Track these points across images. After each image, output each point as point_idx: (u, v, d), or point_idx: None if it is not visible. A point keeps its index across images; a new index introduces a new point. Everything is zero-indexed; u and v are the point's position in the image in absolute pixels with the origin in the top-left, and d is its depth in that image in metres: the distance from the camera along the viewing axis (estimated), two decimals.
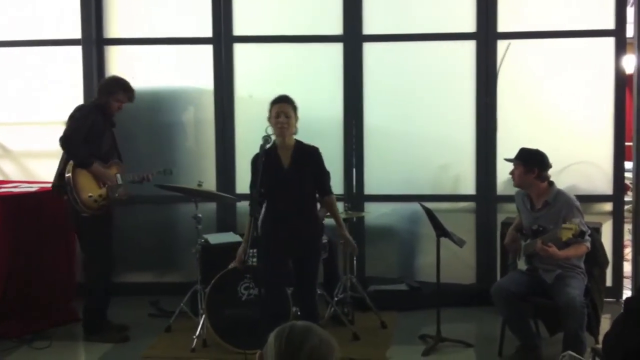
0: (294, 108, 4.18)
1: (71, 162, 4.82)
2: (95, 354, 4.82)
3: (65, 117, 5.70)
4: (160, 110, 6.20)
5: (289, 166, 4.14)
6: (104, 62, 6.13)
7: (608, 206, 5.88)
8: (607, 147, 5.84)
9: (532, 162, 4.52)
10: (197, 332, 4.79)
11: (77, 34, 6.05)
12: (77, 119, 4.89)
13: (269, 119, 4.18)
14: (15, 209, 5.14)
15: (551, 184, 4.56)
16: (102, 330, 5.03)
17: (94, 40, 6.06)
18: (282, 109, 4.10)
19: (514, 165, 4.58)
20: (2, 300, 5.01)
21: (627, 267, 6.09)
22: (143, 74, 6.10)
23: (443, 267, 5.77)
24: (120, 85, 5.02)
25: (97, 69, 6.09)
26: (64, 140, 4.85)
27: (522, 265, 4.58)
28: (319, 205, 4.43)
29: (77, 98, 5.85)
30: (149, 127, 6.18)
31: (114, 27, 6.13)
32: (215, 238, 5.39)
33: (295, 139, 4.22)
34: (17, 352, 4.81)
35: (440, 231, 4.76)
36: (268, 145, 4.05)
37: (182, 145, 6.25)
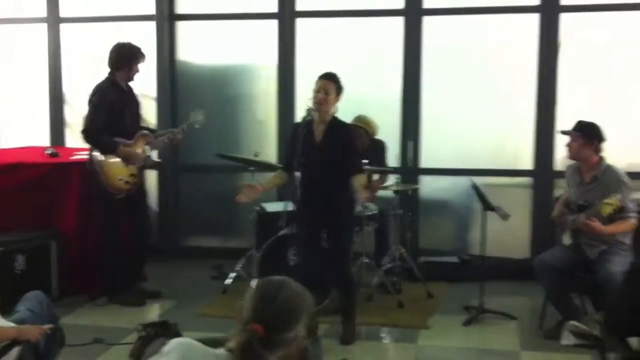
0: (337, 87, 4.26)
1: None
2: (155, 312, 5.18)
3: (141, 92, 6.11)
4: (225, 84, 6.47)
5: (320, 141, 4.28)
6: (175, 37, 6.44)
7: None
8: None
9: (592, 134, 4.49)
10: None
11: (150, 9, 6.37)
12: (93, 104, 4.97)
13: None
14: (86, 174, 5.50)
15: (602, 158, 4.52)
16: (120, 293, 5.22)
17: (167, 15, 6.37)
18: (323, 85, 4.23)
19: (572, 137, 4.54)
20: (79, 253, 5.41)
21: None
22: (210, 49, 6.38)
23: (498, 241, 5.86)
24: (137, 49, 5.08)
25: (169, 44, 6.41)
26: (85, 135, 5.00)
27: (567, 240, 4.57)
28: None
29: (150, 74, 6.20)
30: (215, 101, 6.46)
31: (183, 3, 6.42)
32: (271, 206, 5.62)
33: (334, 116, 4.33)
34: (81, 309, 5.19)
35: (486, 205, 4.81)
36: (309, 118, 4.21)
37: (245, 119, 6.51)
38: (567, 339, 2.83)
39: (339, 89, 4.26)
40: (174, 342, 1.89)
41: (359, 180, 4.30)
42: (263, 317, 1.82)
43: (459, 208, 6.21)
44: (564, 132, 4.64)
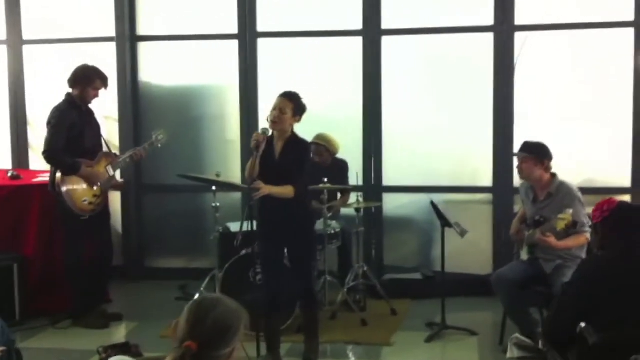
0: (295, 107, 4.26)
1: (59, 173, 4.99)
2: (119, 334, 5.16)
3: (103, 113, 6.12)
4: (188, 104, 6.51)
5: (279, 157, 4.32)
6: (137, 58, 6.46)
7: (627, 198, 5.88)
8: (626, 139, 5.84)
9: (541, 154, 4.60)
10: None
11: (110, 31, 6.39)
12: (53, 126, 5.00)
13: None
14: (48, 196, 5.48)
15: (554, 175, 4.62)
16: (85, 317, 5.20)
17: (128, 36, 6.39)
18: (280, 103, 4.25)
19: (521, 159, 4.64)
20: (41, 276, 5.38)
21: None
22: (172, 69, 6.42)
23: (460, 257, 5.96)
24: (97, 73, 5.11)
25: (131, 65, 6.43)
26: (46, 157, 5.01)
27: (524, 255, 4.67)
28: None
29: (111, 94, 6.21)
30: (178, 121, 6.48)
31: (145, 25, 6.45)
32: (236, 226, 5.63)
33: (292, 133, 4.37)
34: (43, 332, 5.16)
35: (444, 221, 4.89)
36: (267, 133, 4.23)
37: (208, 138, 6.54)
38: (511, 352, 2.90)
39: (297, 109, 4.27)
40: None
41: (285, 190, 4.24)
42: (197, 334, 1.87)
43: (422, 225, 6.29)
44: (515, 154, 4.74)
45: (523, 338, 2.94)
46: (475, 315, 5.41)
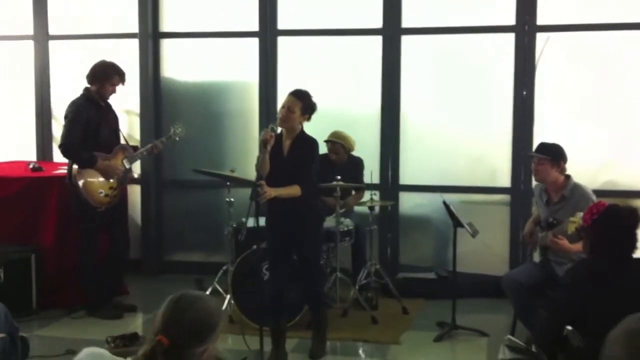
0: (304, 106, 4.28)
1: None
2: (132, 325, 5.22)
3: (125, 108, 6.22)
4: (208, 101, 6.57)
5: (287, 154, 4.34)
6: (159, 54, 6.55)
7: None
8: None
9: (557, 155, 4.54)
10: (223, 309, 5.10)
11: (134, 27, 6.48)
12: (70, 120, 5.09)
13: None
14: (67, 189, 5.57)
15: (568, 177, 4.56)
16: (100, 309, 5.27)
17: (151, 33, 6.47)
18: (288, 102, 4.28)
19: (537, 160, 4.58)
20: (58, 267, 5.48)
21: None
22: (194, 66, 6.50)
23: (476, 258, 5.94)
24: (115, 70, 5.18)
25: (153, 62, 6.51)
26: (63, 150, 5.11)
27: (537, 257, 4.61)
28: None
29: (133, 89, 6.32)
30: (199, 117, 6.55)
31: (167, 21, 6.53)
32: (251, 221, 5.66)
33: (302, 131, 4.38)
34: (57, 322, 5.26)
35: (456, 221, 4.86)
36: (275, 130, 4.25)
37: (228, 135, 6.58)
38: (503, 354, 2.87)
39: (305, 107, 4.28)
40: (83, 352, 1.93)
41: (291, 190, 4.26)
42: (171, 330, 1.86)
43: (438, 224, 6.24)
44: (530, 155, 4.69)
45: (516, 340, 2.92)
46: (488, 317, 5.36)
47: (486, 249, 5.95)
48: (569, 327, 2.69)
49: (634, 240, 2.95)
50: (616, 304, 2.73)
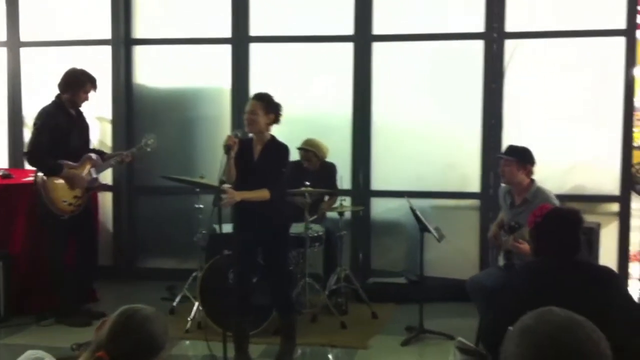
0: (266, 106, 4.33)
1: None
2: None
3: (97, 115, 6.21)
4: (181, 107, 6.58)
5: (258, 159, 4.37)
6: (132, 61, 6.55)
7: (615, 207, 5.84)
8: (615, 147, 5.80)
9: (525, 158, 4.60)
10: (192, 315, 5.10)
11: (106, 34, 6.48)
12: (37, 127, 5.07)
13: None
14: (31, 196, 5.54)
15: (532, 181, 4.61)
16: (69, 316, 5.24)
17: (123, 40, 6.48)
18: (249, 106, 4.34)
19: (504, 162, 4.64)
20: (27, 274, 5.45)
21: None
22: (166, 72, 6.51)
23: (447, 263, 5.98)
24: (87, 77, 5.19)
25: (126, 68, 6.52)
26: (28, 157, 5.10)
27: (501, 260, 4.65)
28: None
29: (105, 96, 6.32)
30: (171, 123, 6.57)
31: (140, 28, 6.54)
32: (224, 227, 5.66)
33: (271, 135, 4.43)
34: (27, 329, 5.23)
35: (422, 226, 4.90)
36: (239, 135, 4.29)
37: (201, 141, 6.60)
38: (454, 356, 2.89)
39: (267, 107, 4.33)
40: (25, 355, 1.93)
41: (259, 193, 4.27)
42: (114, 348, 1.84)
43: (410, 229, 6.24)
44: (497, 157, 4.75)
45: (466, 342, 2.94)
46: (457, 320, 5.37)
47: (457, 254, 6.00)
48: (510, 328, 2.71)
49: (577, 241, 2.98)
50: (560, 306, 2.77)
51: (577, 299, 2.82)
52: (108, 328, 1.88)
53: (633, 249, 6.09)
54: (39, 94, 6.59)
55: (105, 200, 6.55)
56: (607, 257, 5.46)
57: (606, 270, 3.11)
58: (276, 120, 4.42)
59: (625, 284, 5.75)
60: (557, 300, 2.75)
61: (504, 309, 2.86)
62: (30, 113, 6.72)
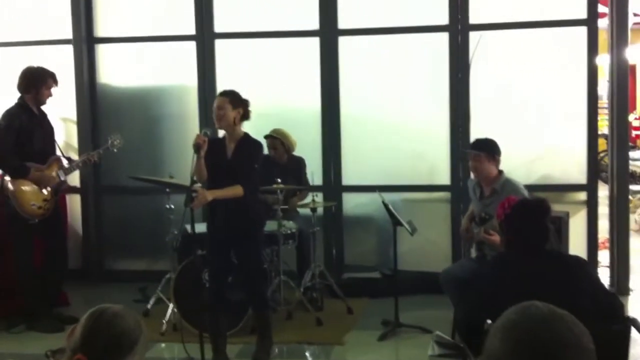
0: (232, 101, 4.32)
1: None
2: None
3: (61, 115, 6.10)
4: (147, 106, 6.49)
5: (231, 156, 4.35)
6: (94, 60, 6.44)
7: (583, 195, 5.93)
8: (581, 136, 5.89)
9: (492, 150, 4.64)
10: (167, 317, 5.05)
11: (67, 33, 6.36)
12: (1, 128, 4.98)
13: None
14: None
15: (500, 172, 4.66)
16: (40, 321, 5.15)
17: (85, 38, 6.36)
18: (217, 102, 4.33)
19: (473, 156, 4.67)
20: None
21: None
22: (131, 71, 6.42)
23: (419, 255, 6.01)
24: (47, 73, 5.12)
25: (89, 68, 6.40)
26: None
27: (474, 252, 4.70)
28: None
29: (69, 96, 6.22)
30: (137, 122, 6.47)
31: (102, 26, 6.43)
32: (196, 227, 5.61)
33: (244, 132, 4.41)
34: None
35: (395, 220, 4.92)
36: (208, 134, 4.27)
37: (168, 140, 6.53)
38: (432, 350, 2.92)
39: (234, 102, 4.32)
40: None
41: (232, 190, 4.25)
42: (89, 349, 1.84)
43: (382, 223, 6.26)
44: (464, 152, 4.78)
45: (443, 335, 2.97)
46: (432, 313, 5.42)
47: (429, 246, 6.04)
48: (489, 322, 2.74)
49: (546, 231, 3.02)
50: (530, 297, 2.80)
51: (547, 288, 2.86)
52: (80, 331, 1.89)
53: (602, 236, 6.20)
54: (1, 95, 6.47)
55: (73, 202, 6.44)
56: (577, 245, 5.54)
57: (575, 258, 3.17)
58: (245, 115, 4.40)
59: (595, 272, 5.86)
60: (528, 291, 2.78)
61: (477, 301, 2.88)
62: None
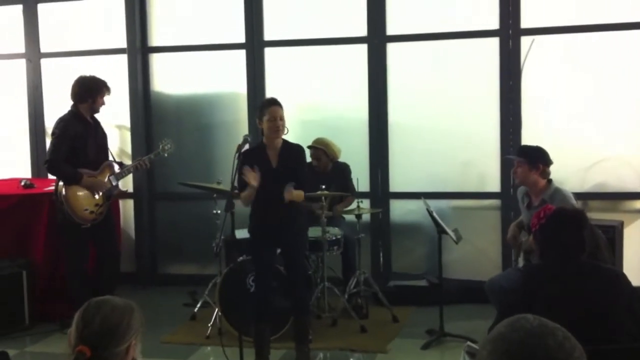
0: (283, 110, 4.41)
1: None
2: None
3: (115, 123, 6.28)
4: (198, 113, 6.62)
5: (277, 165, 4.38)
6: (148, 69, 6.60)
7: (638, 204, 5.74)
8: (637, 143, 5.70)
9: (536, 158, 4.54)
10: (212, 321, 5.12)
11: (122, 43, 6.54)
12: (56, 136, 5.13)
13: (262, 120, 4.41)
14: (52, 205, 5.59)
15: (550, 181, 4.55)
16: None
17: (139, 48, 6.53)
18: (278, 112, 4.34)
19: (517, 163, 4.59)
20: (49, 282, 5.53)
21: None
22: (183, 79, 6.56)
23: (469, 264, 5.92)
24: (102, 82, 5.27)
25: (143, 76, 6.57)
26: (48, 166, 5.17)
27: (521, 261, 4.60)
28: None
29: (123, 104, 6.39)
30: (189, 130, 6.60)
31: (155, 36, 6.59)
32: (242, 233, 5.67)
33: (283, 139, 4.44)
34: (50, 337, 5.30)
35: (439, 228, 4.86)
36: (247, 145, 4.32)
37: (219, 146, 6.62)
38: None
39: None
40: None
41: (300, 195, 4.38)
42: (87, 338, 1.93)
43: (430, 231, 6.16)
44: (507, 159, 4.69)
45: (474, 345, 2.90)
46: (478, 322, 5.30)
47: (479, 255, 5.95)
48: None
49: (582, 241, 2.93)
50: (566, 307, 2.73)
51: (579, 302, 2.79)
52: (74, 326, 2.01)
53: None
54: (59, 104, 6.70)
55: (127, 207, 6.61)
56: (631, 255, 5.36)
57: (612, 271, 3.05)
58: None
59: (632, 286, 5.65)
60: (566, 302, 2.73)
61: (507, 312, 2.81)
62: (51, 123, 6.81)
